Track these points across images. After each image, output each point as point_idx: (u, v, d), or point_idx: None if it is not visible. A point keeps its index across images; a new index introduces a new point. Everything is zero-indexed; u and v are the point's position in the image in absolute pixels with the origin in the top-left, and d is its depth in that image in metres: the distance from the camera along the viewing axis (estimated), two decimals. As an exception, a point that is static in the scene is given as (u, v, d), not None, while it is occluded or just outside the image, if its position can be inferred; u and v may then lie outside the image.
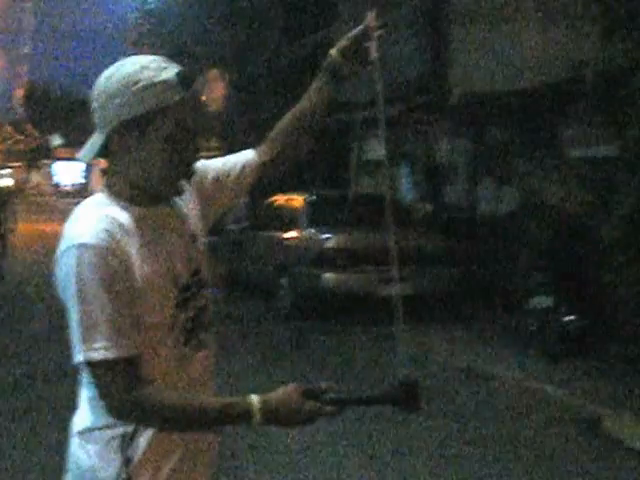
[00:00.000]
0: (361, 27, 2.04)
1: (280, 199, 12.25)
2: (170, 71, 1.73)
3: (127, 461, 1.73)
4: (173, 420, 1.70)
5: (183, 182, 1.82)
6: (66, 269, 1.67)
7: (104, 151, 1.78)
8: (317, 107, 2.11)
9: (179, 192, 1.82)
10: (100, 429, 1.74)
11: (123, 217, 1.73)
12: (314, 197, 11.50)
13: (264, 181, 2.11)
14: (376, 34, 2.01)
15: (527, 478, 5.24)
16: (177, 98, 1.71)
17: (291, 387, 1.75)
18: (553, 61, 9.58)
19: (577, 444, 5.92)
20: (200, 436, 1.85)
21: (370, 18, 2.02)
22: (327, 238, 10.16)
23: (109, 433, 1.73)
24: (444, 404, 6.77)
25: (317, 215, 10.87)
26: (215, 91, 21.29)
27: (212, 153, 25.94)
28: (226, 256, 13.12)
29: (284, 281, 10.69)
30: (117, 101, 1.71)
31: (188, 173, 1.80)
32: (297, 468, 5.31)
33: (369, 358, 8.51)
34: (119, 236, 1.69)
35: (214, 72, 20.32)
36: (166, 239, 1.79)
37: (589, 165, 9.66)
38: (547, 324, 7.93)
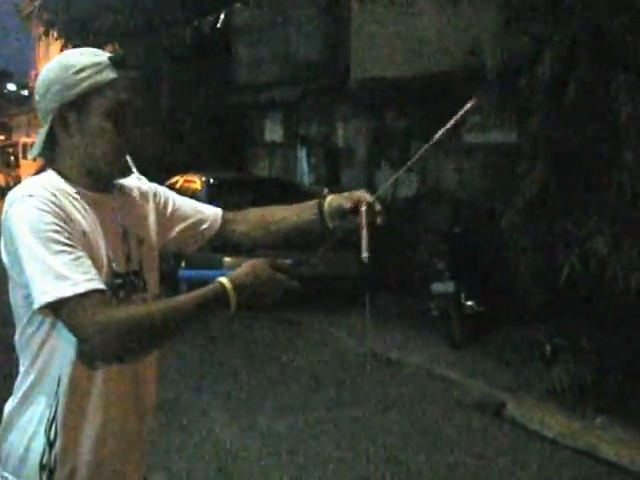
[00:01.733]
0: (350, 205, 2.07)
1: (179, 180, 11.97)
2: (103, 55, 1.84)
3: (50, 445, 1.75)
4: (152, 327, 1.67)
5: (128, 163, 1.88)
6: (15, 219, 1.68)
7: (49, 140, 1.84)
8: (302, 233, 2.22)
9: (124, 172, 1.89)
10: (24, 413, 1.78)
11: (69, 192, 1.78)
12: (214, 179, 11.27)
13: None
14: (364, 232, 1.98)
15: (432, 462, 5.27)
16: (110, 77, 1.80)
17: (257, 261, 1.81)
18: (454, 46, 9.64)
19: (481, 428, 6.01)
20: (127, 417, 1.85)
21: (362, 213, 1.98)
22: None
23: (33, 416, 1.76)
24: (349, 390, 6.75)
25: (216, 197, 10.62)
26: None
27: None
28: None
29: (182, 263, 10.42)
30: (55, 88, 1.81)
31: (129, 148, 1.86)
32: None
33: (266, 340, 8.43)
34: (65, 202, 1.75)
35: (112, 48, 19.67)
36: (106, 225, 1.83)
37: (488, 151, 9.79)
38: (448, 310, 7.99)
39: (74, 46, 21.33)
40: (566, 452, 5.58)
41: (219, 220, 2.17)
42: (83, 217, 1.77)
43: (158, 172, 13.75)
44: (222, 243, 2.18)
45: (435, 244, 8.81)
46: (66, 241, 1.67)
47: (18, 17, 38.75)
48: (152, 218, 2.02)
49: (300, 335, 8.89)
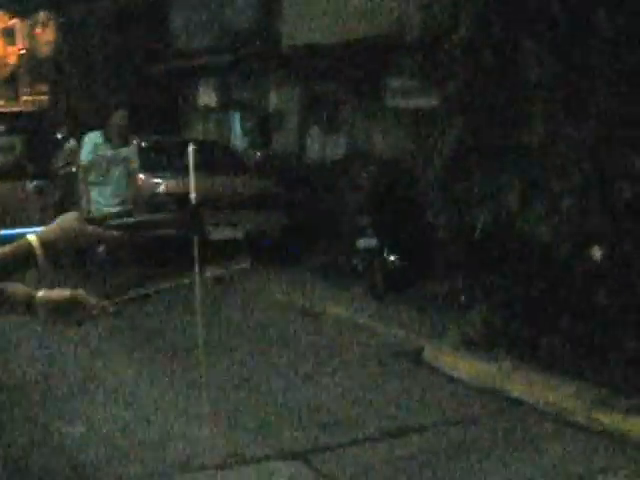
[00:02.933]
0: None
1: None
2: None
3: None
4: None
5: None
6: None
7: None
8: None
9: None
10: None
11: None
12: (147, 142, 11.39)
13: None
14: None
15: (359, 408, 5.54)
16: None
17: (70, 215, 1.71)
18: (379, 13, 9.96)
19: (398, 373, 6.37)
20: None
21: (189, 155, 1.88)
22: (159, 183, 10.15)
23: None
24: (279, 340, 7.08)
25: (149, 160, 10.79)
26: (45, 35, 20.38)
27: (42, 97, 24.89)
28: (54, 200, 12.75)
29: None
30: None
31: None
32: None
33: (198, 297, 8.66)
34: None
35: (43, 15, 19.42)
36: None
37: (410, 115, 10.17)
38: (372, 264, 8.38)
39: (9, 11, 21.03)
40: (477, 392, 5.93)
41: None
42: None
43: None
44: None
45: (360, 202, 9.19)
46: None
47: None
48: None
49: (230, 289, 9.15)
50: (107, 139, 7.72)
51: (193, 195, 1.75)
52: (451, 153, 7.17)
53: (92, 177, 7.69)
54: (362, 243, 8.52)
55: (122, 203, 7.61)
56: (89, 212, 7.38)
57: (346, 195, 9.99)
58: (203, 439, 4.85)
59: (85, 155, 7.73)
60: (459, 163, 7.16)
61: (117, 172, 7.67)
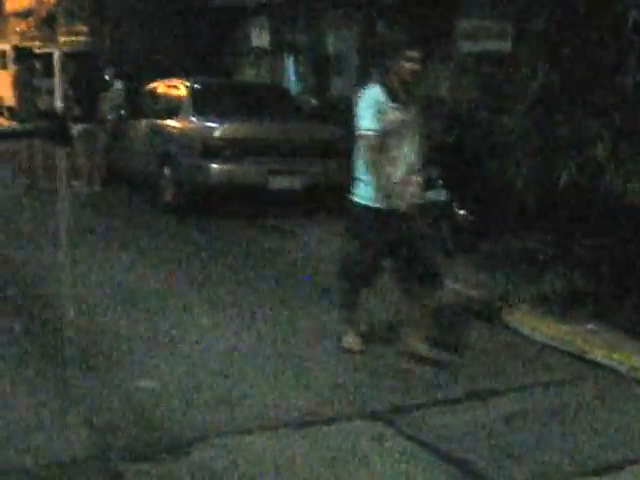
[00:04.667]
0: None
1: (160, 85, 11.63)
2: None
3: None
4: None
5: None
6: None
7: None
8: None
9: None
10: None
11: None
12: (199, 83, 10.93)
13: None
14: None
15: (440, 370, 5.21)
16: None
17: None
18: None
19: (479, 335, 6.00)
20: None
21: None
22: (213, 127, 9.71)
23: None
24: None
25: (202, 102, 10.35)
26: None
27: (81, 38, 24.58)
28: (104, 147, 12.43)
29: (167, 172, 10.21)
30: None
31: None
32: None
33: (255, 249, 8.35)
34: None
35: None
36: None
37: (481, 60, 9.61)
38: (440, 219, 7.93)
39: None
40: (556, 354, 5.63)
41: None
42: None
43: (139, 76, 13.46)
44: None
45: (428, 153, 8.70)
46: None
47: None
48: None
49: (287, 242, 8.81)
50: (392, 96, 5.22)
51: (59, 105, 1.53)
52: (534, 98, 6.69)
53: (383, 149, 5.25)
54: (429, 196, 8.05)
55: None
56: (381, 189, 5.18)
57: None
58: (278, 396, 4.63)
59: (370, 120, 5.14)
60: (542, 110, 6.69)
61: (408, 139, 5.36)
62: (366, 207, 5.18)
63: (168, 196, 10.14)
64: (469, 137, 8.42)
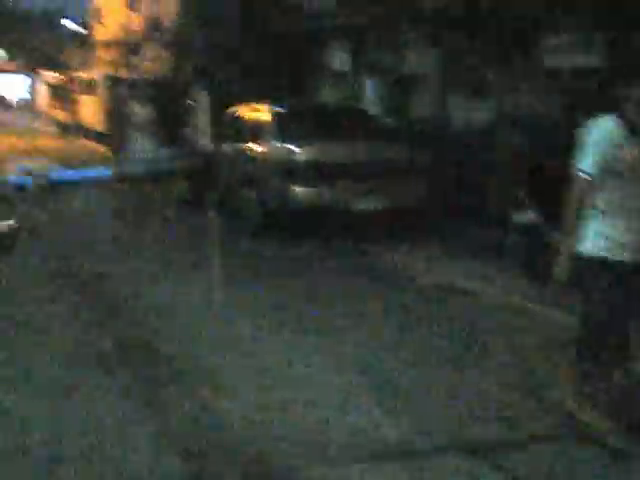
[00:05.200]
0: None
1: (244, 109, 11.76)
2: None
3: None
4: None
5: None
6: None
7: None
8: None
9: None
10: None
11: None
12: (282, 108, 11.01)
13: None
14: None
15: (535, 402, 4.99)
16: None
17: None
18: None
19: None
20: None
21: None
22: (297, 150, 9.74)
23: None
24: (430, 322, 6.59)
25: (285, 126, 10.41)
26: (169, 5, 20.51)
27: (164, 65, 25.15)
28: (187, 167, 12.64)
29: (252, 195, 10.30)
30: None
31: None
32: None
33: (341, 272, 8.30)
34: None
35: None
36: None
37: (568, 75, 9.38)
38: (530, 241, 7.72)
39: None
40: None
41: None
42: None
43: (224, 101, 13.65)
44: None
45: (514, 172, 8.53)
46: None
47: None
48: None
49: (373, 265, 8.74)
50: (630, 129, 4.30)
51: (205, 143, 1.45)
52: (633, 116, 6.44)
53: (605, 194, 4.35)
54: (518, 217, 7.86)
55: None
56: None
57: (497, 164, 9.35)
58: (367, 425, 4.52)
59: (589, 161, 4.32)
60: None
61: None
62: (600, 260, 4.38)
63: (253, 219, 10.23)
64: (558, 156, 8.20)
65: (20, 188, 2.25)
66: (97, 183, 11.17)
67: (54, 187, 11.27)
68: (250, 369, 5.43)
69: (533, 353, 5.88)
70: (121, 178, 11.85)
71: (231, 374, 5.34)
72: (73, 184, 10.44)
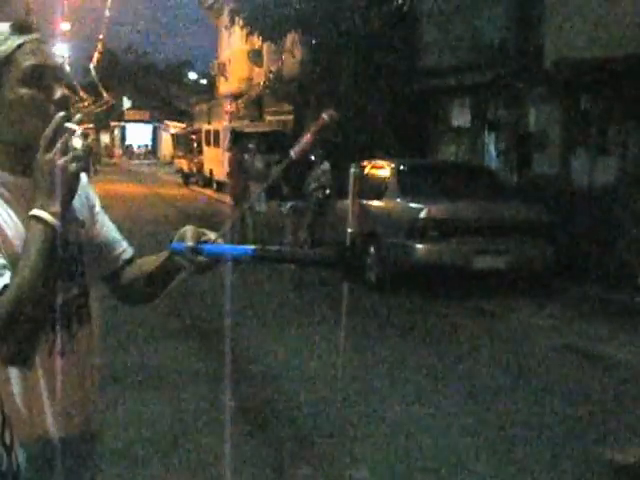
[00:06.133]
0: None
1: (366, 165, 12.02)
2: (4, 25, 1.73)
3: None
4: (22, 293, 1.55)
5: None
6: None
7: None
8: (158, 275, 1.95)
9: None
10: None
11: None
12: (404, 165, 11.22)
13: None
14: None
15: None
16: (16, 43, 1.69)
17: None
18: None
19: None
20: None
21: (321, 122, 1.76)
22: (419, 208, 9.89)
23: None
24: (549, 384, 6.52)
25: (407, 184, 10.59)
26: (291, 57, 21.12)
27: (286, 117, 25.85)
28: (308, 222, 12.99)
29: (372, 251, 10.48)
30: None
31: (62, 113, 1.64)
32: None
33: (463, 332, 8.30)
34: None
35: (291, 37, 20.09)
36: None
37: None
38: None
39: (258, 34, 22.00)
40: None
41: (129, 253, 2.02)
42: (8, 213, 1.68)
43: (340, 158, 13.98)
44: (114, 282, 2.01)
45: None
46: None
47: (201, 8, 40.52)
48: (86, 209, 1.89)
49: (495, 325, 8.71)
50: None
51: (349, 230, 1.49)
52: None
53: None
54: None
55: None
56: None
57: (621, 224, 9.21)
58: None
59: None
60: None
61: None
62: None
63: (373, 275, 10.39)
64: None
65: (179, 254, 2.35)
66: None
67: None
68: (375, 424, 5.51)
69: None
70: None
71: (356, 438, 5.41)
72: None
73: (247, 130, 24.13)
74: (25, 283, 1.55)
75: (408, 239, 9.79)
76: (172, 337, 7.96)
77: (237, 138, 21.06)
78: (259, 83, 27.24)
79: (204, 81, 50.73)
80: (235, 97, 32.96)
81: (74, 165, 1.58)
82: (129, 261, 2.01)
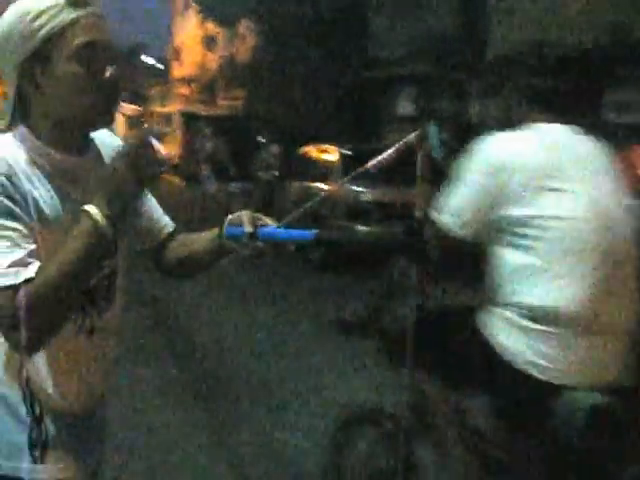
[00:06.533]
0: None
1: (313, 150, 12.30)
2: None
3: (36, 419, 1.68)
4: (56, 285, 1.50)
5: (110, 108, 1.68)
6: None
7: (20, 101, 1.66)
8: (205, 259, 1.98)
9: (106, 118, 1.70)
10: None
11: (27, 157, 1.62)
12: (348, 149, 11.54)
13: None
14: None
15: None
16: (70, 17, 1.62)
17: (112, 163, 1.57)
18: (596, 23, 9.53)
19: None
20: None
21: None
22: (362, 192, 10.24)
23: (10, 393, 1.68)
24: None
25: (352, 168, 10.88)
26: (245, 43, 21.27)
27: (238, 102, 25.98)
28: (255, 204, 13.26)
29: (316, 232, 10.74)
30: (13, 41, 1.62)
31: (113, 93, 1.67)
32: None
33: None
34: (16, 169, 1.59)
35: (244, 23, 20.26)
36: (79, 191, 1.66)
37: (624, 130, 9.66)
38: None
39: (213, 20, 22.19)
40: None
41: (171, 227, 2.01)
42: (37, 187, 1.62)
43: (285, 140, 14.24)
44: (157, 256, 2.00)
45: None
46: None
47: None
48: None
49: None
50: None
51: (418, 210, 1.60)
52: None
53: None
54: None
55: None
56: None
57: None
58: None
59: None
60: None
61: None
62: None
63: (316, 255, 10.70)
64: None
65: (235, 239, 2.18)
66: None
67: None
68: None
69: None
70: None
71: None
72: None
73: (200, 113, 24.25)
74: (57, 275, 1.49)
75: (351, 221, 10.12)
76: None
77: (188, 121, 21.17)
78: (212, 68, 27.32)
79: (161, 65, 50.37)
80: (189, 81, 32.97)
81: (146, 180, 1.57)
82: (171, 235, 1.99)
